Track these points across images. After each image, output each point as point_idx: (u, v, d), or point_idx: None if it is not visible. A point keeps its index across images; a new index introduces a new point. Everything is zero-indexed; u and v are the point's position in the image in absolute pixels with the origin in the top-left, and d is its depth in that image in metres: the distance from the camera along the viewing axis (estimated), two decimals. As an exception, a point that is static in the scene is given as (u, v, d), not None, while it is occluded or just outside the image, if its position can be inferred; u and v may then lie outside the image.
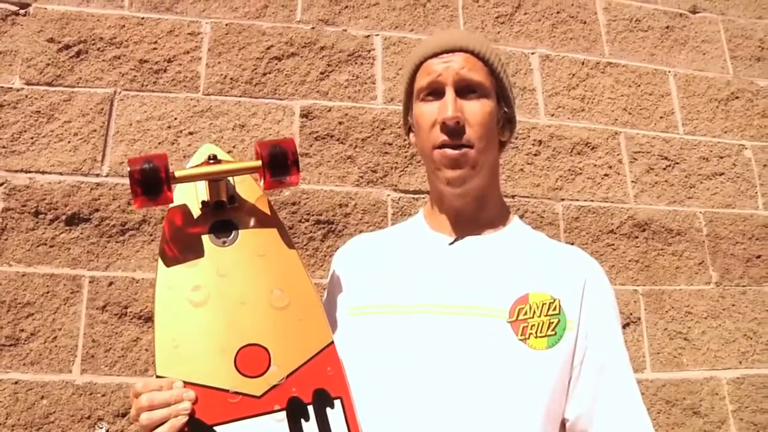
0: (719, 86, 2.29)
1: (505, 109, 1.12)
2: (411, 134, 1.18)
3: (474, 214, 1.12)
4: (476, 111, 1.06)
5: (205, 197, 1.03)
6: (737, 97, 2.30)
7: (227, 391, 0.91)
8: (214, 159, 1.01)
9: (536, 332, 0.99)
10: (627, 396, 1.02)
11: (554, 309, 1.00)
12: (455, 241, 1.11)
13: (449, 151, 1.05)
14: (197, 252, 1.00)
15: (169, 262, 0.99)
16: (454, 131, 1.04)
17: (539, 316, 1.00)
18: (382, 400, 0.96)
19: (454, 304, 1.02)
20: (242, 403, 0.91)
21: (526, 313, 1.00)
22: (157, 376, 0.91)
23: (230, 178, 1.04)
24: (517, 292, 1.02)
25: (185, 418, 0.87)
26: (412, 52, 1.16)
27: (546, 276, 1.05)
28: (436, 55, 1.08)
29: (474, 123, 1.05)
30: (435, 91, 1.08)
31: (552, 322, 0.99)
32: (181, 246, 1.00)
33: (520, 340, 0.97)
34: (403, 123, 1.22)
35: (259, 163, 1.00)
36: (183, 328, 0.95)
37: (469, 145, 1.05)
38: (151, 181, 0.95)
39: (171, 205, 1.02)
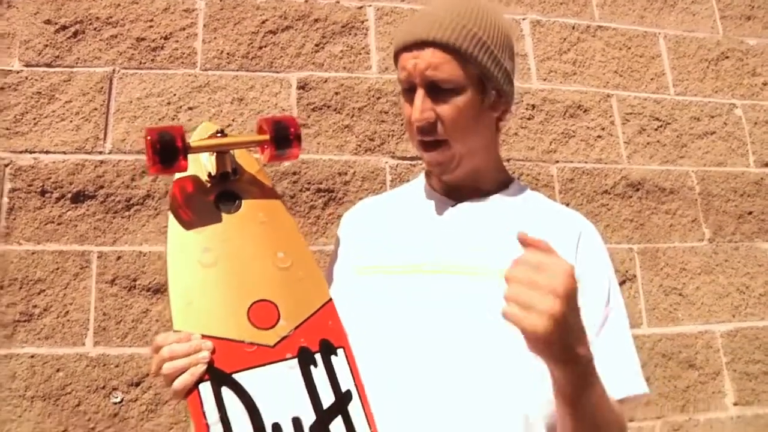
0: (709, 46, 2.32)
1: (493, 91, 1.09)
2: None
3: (472, 186, 1.14)
4: (446, 109, 1.05)
5: (211, 169, 1.10)
6: (727, 57, 2.32)
7: (243, 342, 0.97)
8: (221, 133, 1.08)
9: None
10: (616, 345, 1.04)
11: None
12: (456, 204, 1.14)
13: (425, 154, 1.08)
14: (205, 218, 1.07)
15: (179, 227, 1.05)
16: (426, 130, 1.05)
17: None
18: (384, 356, 1.01)
19: (455, 264, 1.06)
20: (257, 352, 0.97)
21: None
22: (174, 331, 0.97)
23: (232, 152, 1.11)
24: (515, 252, 1.06)
25: (204, 367, 0.93)
26: (396, 31, 1.17)
27: (542, 235, 1.08)
28: (406, 47, 1.06)
29: (446, 120, 1.05)
30: (410, 87, 1.07)
31: None
32: (191, 213, 1.07)
33: None
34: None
35: (266, 137, 1.08)
36: (196, 286, 1.01)
37: (444, 140, 1.06)
38: (168, 150, 1.01)
39: (179, 175, 1.08)
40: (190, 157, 1.06)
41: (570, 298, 0.81)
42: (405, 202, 1.22)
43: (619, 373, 1.02)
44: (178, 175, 1.08)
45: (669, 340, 1.96)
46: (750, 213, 2.15)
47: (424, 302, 1.04)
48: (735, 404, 1.94)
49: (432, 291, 1.04)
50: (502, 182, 1.18)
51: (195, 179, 1.10)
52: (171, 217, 1.06)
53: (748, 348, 2.00)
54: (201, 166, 1.11)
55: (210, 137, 1.09)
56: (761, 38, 2.39)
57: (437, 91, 1.04)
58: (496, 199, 1.15)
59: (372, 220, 1.21)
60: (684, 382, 1.94)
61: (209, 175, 1.10)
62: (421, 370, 0.99)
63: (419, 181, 1.24)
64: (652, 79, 2.21)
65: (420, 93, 1.04)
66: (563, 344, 0.82)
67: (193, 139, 1.09)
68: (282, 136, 1.09)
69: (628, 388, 1.02)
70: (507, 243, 1.07)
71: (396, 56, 1.11)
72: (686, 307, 2.01)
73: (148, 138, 1.01)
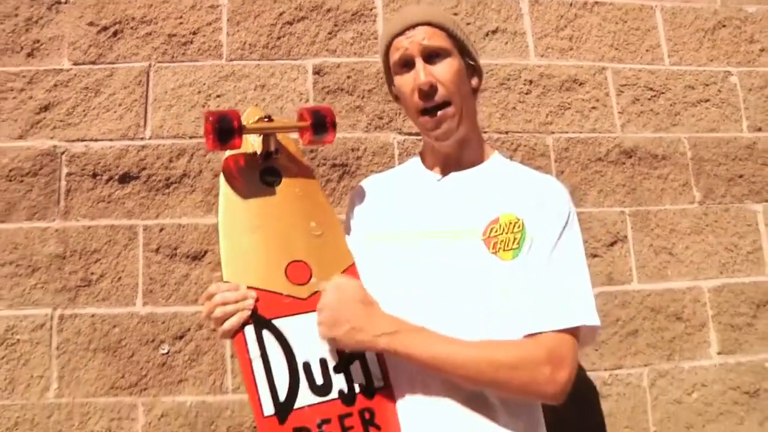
0: (706, 16, 2.41)
1: (470, 61, 1.34)
2: (398, 101, 1.43)
3: (458, 156, 1.36)
4: (445, 71, 1.28)
5: (257, 149, 1.29)
6: (724, 26, 2.41)
7: (281, 294, 1.18)
8: (268, 118, 1.28)
9: (504, 246, 1.22)
10: (561, 282, 1.20)
11: (518, 227, 1.23)
12: (442, 177, 1.37)
13: (430, 117, 1.29)
14: (252, 189, 1.26)
15: (231, 195, 1.25)
16: (429, 94, 1.27)
17: (506, 233, 1.23)
18: (388, 309, 1.22)
19: (441, 228, 1.28)
20: (292, 303, 1.18)
21: (496, 231, 1.23)
22: (224, 282, 1.17)
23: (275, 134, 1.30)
24: (491, 215, 1.26)
25: (249, 312, 1.14)
26: (382, 31, 1.39)
27: (514, 199, 1.28)
28: (400, 33, 1.30)
29: (445, 81, 1.27)
30: (407, 63, 1.30)
31: (516, 238, 1.23)
32: (241, 183, 1.26)
33: (492, 253, 1.22)
34: (389, 93, 1.46)
35: (307, 123, 1.29)
36: (242, 246, 1.21)
37: (447, 103, 1.28)
38: (226, 130, 1.19)
39: (229, 153, 1.27)
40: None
41: (332, 303, 1.17)
42: (403, 178, 1.46)
43: (561, 305, 1.18)
44: (228, 152, 1.27)
45: (658, 295, 2.13)
46: (741, 176, 2.27)
47: (416, 262, 1.27)
48: (719, 353, 2.10)
49: (422, 252, 1.27)
50: (483, 151, 1.40)
51: (245, 155, 1.29)
52: (223, 185, 1.25)
53: (734, 302, 2.16)
54: (249, 144, 1.30)
55: (258, 121, 1.27)
56: (761, 5, 2.46)
57: (432, 57, 1.28)
58: (477, 170, 1.37)
59: (376, 194, 1.45)
60: (671, 333, 2.11)
61: (254, 152, 1.29)
62: (414, 316, 1.19)
63: (415, 161, 1.48)
64: (647, 50, 2.33)
65: (419, 61, 1.27)
66: (355, 332, 1.15)
67: (244, 122, 1.26)
68: (320, 123, 1.29)
69: (569, 320, 1.17)
70: (483, 208, 1.29)
71: (388, 45, 1.33)
72: (675, 265, 2.17)
73: (210, 119, 1.18)
